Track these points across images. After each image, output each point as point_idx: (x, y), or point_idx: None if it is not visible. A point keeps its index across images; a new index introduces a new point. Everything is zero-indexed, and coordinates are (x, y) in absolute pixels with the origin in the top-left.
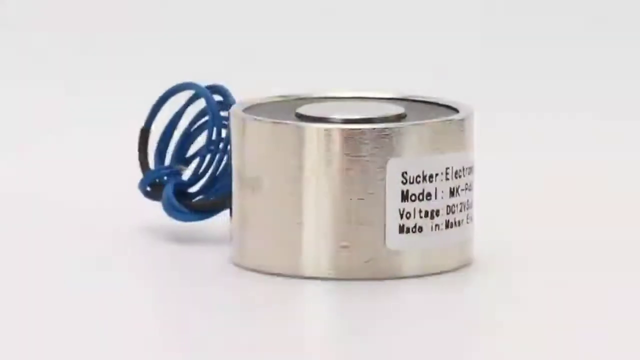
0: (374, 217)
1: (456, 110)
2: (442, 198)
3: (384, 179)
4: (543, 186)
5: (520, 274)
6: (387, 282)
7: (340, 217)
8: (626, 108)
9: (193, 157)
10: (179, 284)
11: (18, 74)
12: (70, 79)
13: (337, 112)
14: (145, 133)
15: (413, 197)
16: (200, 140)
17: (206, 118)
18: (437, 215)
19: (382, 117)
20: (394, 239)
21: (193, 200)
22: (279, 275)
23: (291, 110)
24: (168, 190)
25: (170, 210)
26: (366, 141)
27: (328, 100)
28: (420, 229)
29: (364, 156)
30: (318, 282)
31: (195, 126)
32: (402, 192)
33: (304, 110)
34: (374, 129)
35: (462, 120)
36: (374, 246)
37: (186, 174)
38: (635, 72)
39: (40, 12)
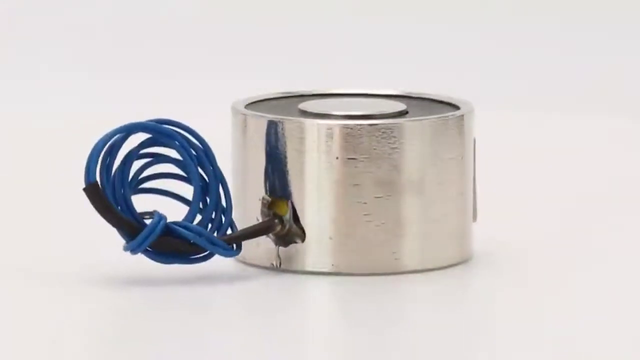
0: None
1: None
2: None
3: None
4: (542, 182)
5: (516, 269)
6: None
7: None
8: (627, 106)
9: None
10: (183, 282)
11: None
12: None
13: (339, 108)
14: (95, 187)
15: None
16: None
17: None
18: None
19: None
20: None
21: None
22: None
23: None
24: (208, 235)
25: (223, 251)
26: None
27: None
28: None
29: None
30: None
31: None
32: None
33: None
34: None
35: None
36: (463, 223)
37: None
38: (635, 70)
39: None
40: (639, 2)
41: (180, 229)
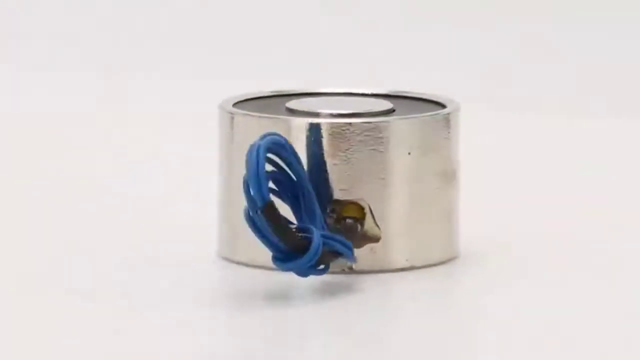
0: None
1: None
2: None
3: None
4: (541, 182)
5: (512, 269)
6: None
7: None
8: (627, 106)
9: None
10: (169, 279)
11: None
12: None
13: (326, 106)
14: (272, 207)
15: None
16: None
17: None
18: None
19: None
20: None
21: None
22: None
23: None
24: (347, 243)
25: (353, 258)
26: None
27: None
28: None
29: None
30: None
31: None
32: None
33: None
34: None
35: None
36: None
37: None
38: (628, 70)
39: None
40: (639, 2)
41: (330, 240)
